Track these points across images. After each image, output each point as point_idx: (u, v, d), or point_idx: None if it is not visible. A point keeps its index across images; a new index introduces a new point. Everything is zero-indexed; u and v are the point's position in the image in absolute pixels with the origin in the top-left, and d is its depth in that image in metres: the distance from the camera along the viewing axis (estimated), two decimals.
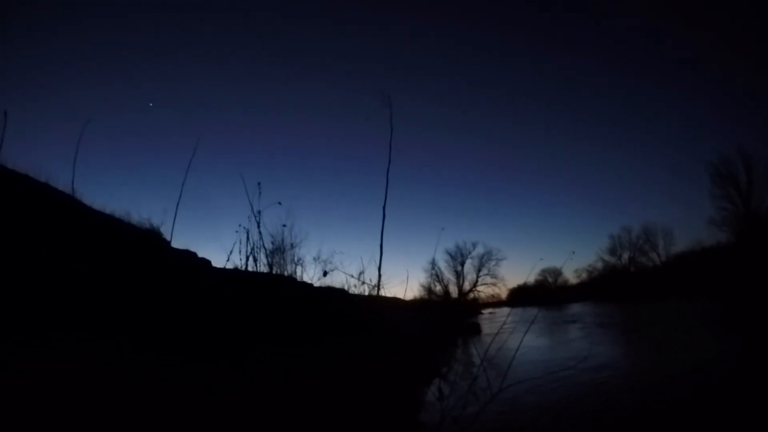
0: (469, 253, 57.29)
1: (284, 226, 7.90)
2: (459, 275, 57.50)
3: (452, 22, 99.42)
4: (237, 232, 5.16)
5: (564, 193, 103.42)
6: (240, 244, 5.13)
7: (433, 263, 54.44)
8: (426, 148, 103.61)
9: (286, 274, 8.78)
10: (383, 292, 9.79)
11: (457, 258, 57.55)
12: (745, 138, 70.34)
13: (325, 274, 7.50)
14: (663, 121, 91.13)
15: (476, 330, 23.67)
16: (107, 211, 4.56)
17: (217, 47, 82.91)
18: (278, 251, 9.21)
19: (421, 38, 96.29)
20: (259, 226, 4.96)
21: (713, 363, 8.62)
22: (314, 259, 9.64)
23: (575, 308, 43.59)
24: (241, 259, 5.20)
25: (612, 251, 66.20)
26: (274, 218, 10.01)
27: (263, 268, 6.45)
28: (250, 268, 5.46)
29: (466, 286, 57.05)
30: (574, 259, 72.18)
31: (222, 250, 5.15)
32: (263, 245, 5.40)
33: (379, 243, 3.06)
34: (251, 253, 5.26)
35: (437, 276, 55.27)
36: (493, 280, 56.64)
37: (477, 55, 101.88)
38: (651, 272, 58.32)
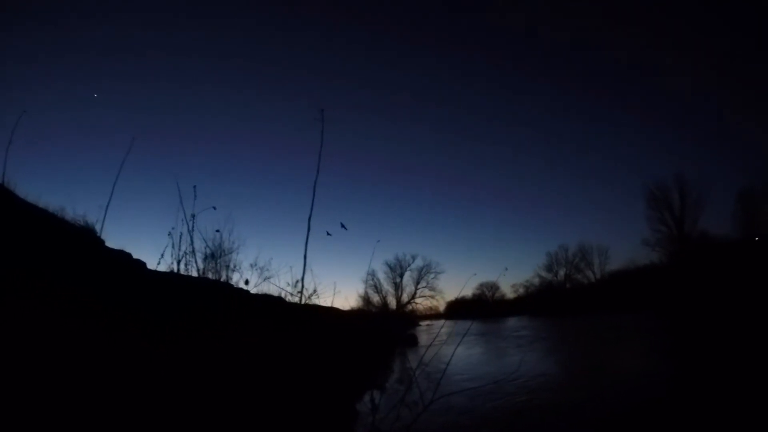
0: (409, 265, 57.99)
1: (218, 231, 7.57)
2: (398, 287, 58.06)
3: (389, 32, 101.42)
4: (170, 234, 4.88)
5: (504, 210, 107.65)
6: (173, 247, 4.85)
7: (372, 274, 54.70)
8: (369, 161, 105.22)
9: (222, 280, 8.39)
10: (320, 302, 9.59)
11: (397, 270, 58.12)
12: (681, 165, 77.62)
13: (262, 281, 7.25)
14: (604, 145, 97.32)
15: (413, 341, 23.89)
16: (41, 204, 4.33)
17: (156, 48, 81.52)
18: (214, 256, 8.78)
19: (360, 49, 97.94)
20: (192, 230, 4.71)
21: (640, 377, 9.22)
22: (251, 266, 9.29)
23: (511, 322, 45.29)
24: (172, 263, 4.93)
25: (549, 268, 69.55)
26: (213, 223, 9.60)
27: (198, 273, 6.10)
28: (184, 272, 5.17)
29: (405, 298, 57.64)
30: (512, 275, 75.15)
31: (157, 253, 4.85)
32: (194, 250, 5.10)
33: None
34: (183, 256, 4.99)
35: (376, 287, 55.55)
36: (431, 293, 57.38)
37: (417, 67, 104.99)
38: (586, 289, 61.80)
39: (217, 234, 9.09)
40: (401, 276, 58.16)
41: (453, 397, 5.92)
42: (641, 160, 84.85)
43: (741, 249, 35.25)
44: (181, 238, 4.83)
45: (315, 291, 13.07)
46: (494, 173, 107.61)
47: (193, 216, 4.76)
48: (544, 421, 6.44)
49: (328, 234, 4.45)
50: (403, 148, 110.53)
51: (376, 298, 54.48)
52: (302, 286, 3.56)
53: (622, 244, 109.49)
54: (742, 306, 24.60)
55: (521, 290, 75.30)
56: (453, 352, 4.31)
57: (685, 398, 7.01)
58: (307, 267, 3.14)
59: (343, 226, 4.18)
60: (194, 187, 4.56)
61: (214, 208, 5.03)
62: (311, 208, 3.03)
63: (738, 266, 32.33)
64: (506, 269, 48.03)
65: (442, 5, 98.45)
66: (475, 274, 59.97)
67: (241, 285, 8.41)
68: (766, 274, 28.38)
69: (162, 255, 4.95)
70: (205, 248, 7.84)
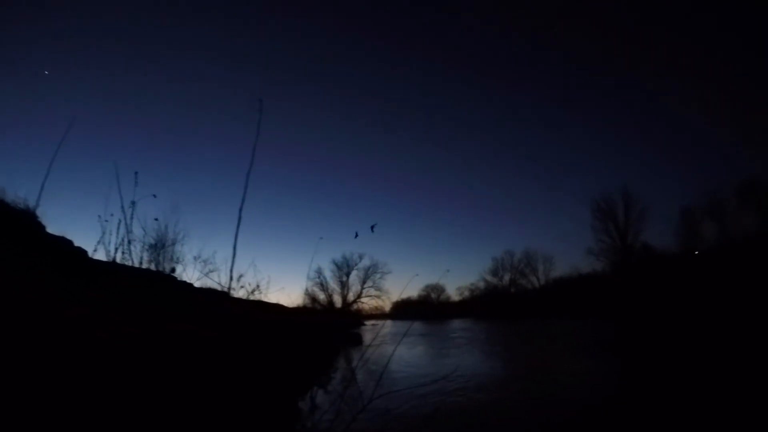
0: (356, 264, 58.12)
1: (156, 219, 7.28)
2: (344, 285, 58.10)
3: (335, 26, 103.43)
4: (107, 221, 4.64)
5: (452, 214, 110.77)
6: (111, 234, 4.62)
7: (319, 272, 54.30)
8: (318, 159, 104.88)
9: (165, 271, 8.10)
10: (265, 298, 9.43)
11: (344, 268, 58.16)
12: (627, 179, 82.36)
13: (206, 274, 7.07)
14: (554, 155, 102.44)
15: (358, 340, 23.93)
16: None
17: (99, 34, 79.04)
18: (157, 247, 8.44)
19: (311, 44, 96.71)
20: (132, 217, 4.52)
21: (574, 378, 9.78)
22: (194, 258, 9.00)
23: (456, 324, 46.22)
24: (110, 251, 4.69)
25: (494, 272, 71.86)
26: (159, 214, 9.22)
27: (139, 263, 5.85)
28: (125, 262, 4.95)
29: (351, 296, 57.72)
30: (458, 278, 76.84)
31: (96, 240, 4.62)
32: (129, 241, 4.86)
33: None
34: (120, 245, 4.76)
35: (322, 285, 55.21)
36: (378, 293, 57.67)
37: (371, 67, 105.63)
38: (530, 294, 64.33)
39: (163, 225, 8.74)
40: (348, 275, 58.28)
41: (392, 396, 6.07)
42: (589, 171, 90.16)
43: (681, 262, 37.28)
44: (119, 225, 4.61)
45: (258, 286, 12.81)
46: (443, 176, 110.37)
47: (133, 203, 4.56)
48: (477, 419, 6.73)
49: (153, 196, 4.47)
50: (354, 148, 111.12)
51: (322, 296, 54.18)
52: (230, 277, 3.51)
53: (567, 252, 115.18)
54: (680, 314, 26.56)
55: (466, 293, 77.47)
56: (393, 352, 4.43)
57: (615, 399, 7.52)
58: (234, 259, 3.11)
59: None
60: (135, 173, 4.38)
61: (155, 195, 4.85)
62: (243, 200, 2.99)
63: (677, 278, 34.50)
64: (448, 270, 49.17)
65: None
66: (417, 275, 60.66)
67: (185, 278, 8.16)
68: (703, 286, 30.46)
69: (99, 242, 4.70)
70: (145, 237, 7.53)
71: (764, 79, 66.16)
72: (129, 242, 4.93)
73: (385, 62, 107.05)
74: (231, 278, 3.54)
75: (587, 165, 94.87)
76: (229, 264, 3.10)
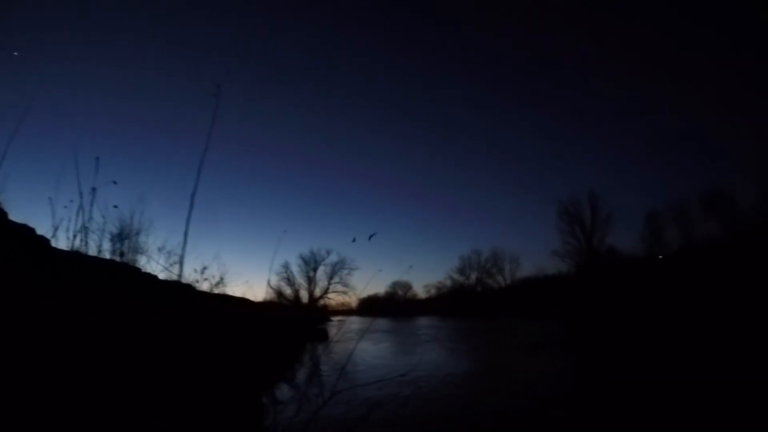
0: (323, 260, 57.85)
1: (115, 207, 7.09)
2: (311, 281, 57.74)
3: (296, 16, 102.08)
4: (66, 207, 4.51)
5: (421, 212, 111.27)
6: (71, 221, 4.50)
7: (286, 267, 53.84)
8: (291, 153, 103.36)
9: (130, 262, 7.96)
10: (231, 292, 9.39)
11: (311, 264, 57.80)
12: (595, 183, 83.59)
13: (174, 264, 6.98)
14: (523, 156, 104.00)
15: (324, 336, 23.95)
16: None
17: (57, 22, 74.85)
18: (121, 237, 8.26)
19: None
20: (92, 204, 4.43)
21: (531, 374, 10.19)
22: (159, 249, 8.85)
23: (422, 321, 46.56)
24: (68, 238, 4.57)
25: (461, 271, 72.29)
26: (123, 203, 9.01)
27: (99, 251, 5.73)
28: (83, 251, 4.84)
29: (318, 292, 57.43)
30: (425, 275, 77.50)
31: (61, 230, 4.50)
32: (86, 229, 4.74)
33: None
34: (79, 231, 4.63)
35: (289, 280, 54.78)
36: (344, 289, 57.40)
37: (337, 62, 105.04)
38: (496, 293, 65.05)
39: (128, 215, 8.56)
40: (315, 270, 57.92)
41: (353, 390, 6.23)
42: (558, 174, 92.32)
43: (645, 265, 38.35)
44: (79, 212, 4.49)
45: (222, 279, 12.70)
46: (413, 175, 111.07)
47: (94, 189, 4.46)
48: (436, 412, 6.97)
49: (114, 182, 4.49)
50: (323, 144, 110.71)
51: (288, 291, 53.75)
52: (181, 266, 3.53)
53: (533, 253, 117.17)
54: (642, 317, 27.59)
55: (433, 291, 77.88)
56: (353, 349, 4.55)
57: (566, 394, 7.90)
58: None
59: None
60: (96, 159, 4.28)
61: (115, 182, 4.74)
62: (195, 185, 2.99)
63: (641, 281, 35.35)
64: (411, 266, 49.37)
65: None
66: (381, 270, 60.82)
67: (149, 269, 8.02)
68: (666, 290, 31.46)
69: (56, 228, 4.57)
70: (105, 224, 7.35)
71: (733, 90, 69.78)
72: (87, 229, 4.81)
73: (353, 55, 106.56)
74: (181, 265, 3.54)
75: (556, 167, 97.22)
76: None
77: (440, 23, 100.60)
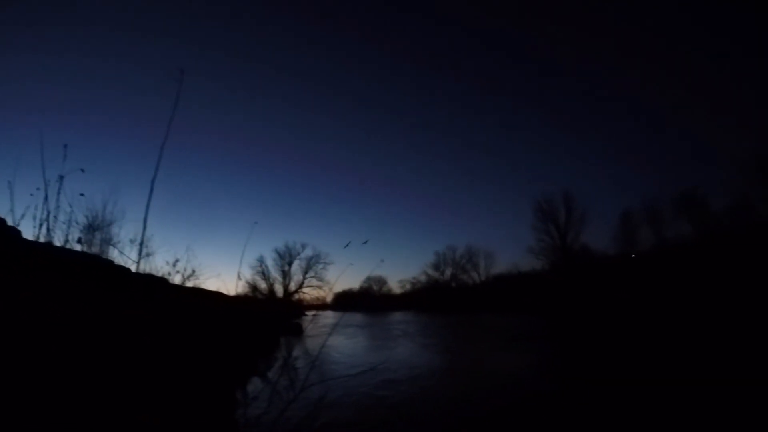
0: (298, 254, 57.74)
1: (82, 195, 7.01)
2: (286, 275, 57.47)
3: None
4: (32, 195, 4.48)
5: (397, 207, 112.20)
6: (37, 210, 4.48)
7: (261, 260, 53.41)
8: (267, 147, 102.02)
9: (102, 254, 7.91)
10: (205, 286, 9.40)
11: (286, 258, 57.57)
12: (570, 183, 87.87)
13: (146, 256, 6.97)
14: (499, 155, 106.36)
15: (299, 330, 24.00)
16: None
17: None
18: (92, 228, 8.19)
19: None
20: (59, 192, 4.43)
21: (498, 369, 10.51)
22: (131, 241, 8.80)
23: (397, 316, 47.04)
24: (35, 227, 4.55)
25: (436, 266, 72.81)
26: (96, 193, 8.91)
27: (66, 241, 5.67)
28: (51, 241, 4.82)
29: (292, 286, 57.17)
30: (400, 271, 78.12)
31: (34, 222, 4.47)
32: (48, 216, 4.73)
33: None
34: (45, 220, 4.61)
35: (264, 274, 54.39)
36: (319, 283, 57.31)
37: (318, 54, 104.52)
38: (471, 289, 65.68)
39: (99, 204, 8.49)
40: (290, 264, 57.69)
41: (324, 384, 6.41)
42: (534, 173, 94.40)
43: (617, 264, 39.42)
44: (45, 201, 4.47)
45: (194, 272, 12.66)
46: (390, 171, 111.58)
47: (61, 177, 4.46)
48: (400, 403, 7.22)
49: (81, 170, 4.55)
50: (300, 139, 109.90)
51: (263, 285, 53.36)
52: (140, 254, 3.60)
53: (508, 250, 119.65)
54: (615, 314, 28.44)
55: (408, 286, 78.43)
56: (325, 342, 4.70)
57: (532, 389, 8.19)
58: (144, 232, 3.19)
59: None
60: (65, 146, 4.29)
61: (83, 170, 4.73)
62: (155, 170, 3.04)
63: (614, 279, 36.52)
64: (382, 260, 49.28)
65: None
66: (352, 264, 60.52)
67: (121, 261, 7.98)
68: (639, 287, 32.63)
69: (21, 216, 4.54)
70: (71, 213, 7.27)
71: (710, 94, 72.11)
72: (56, 218, 4.80)
73: (327, 48, 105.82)
74: (140, 253, 3.60)
75: (532, 166, 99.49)
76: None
77: (416, 21, 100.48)
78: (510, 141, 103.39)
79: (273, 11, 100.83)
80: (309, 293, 57.64)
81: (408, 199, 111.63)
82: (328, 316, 46.66)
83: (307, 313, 51.13)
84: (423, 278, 74.68)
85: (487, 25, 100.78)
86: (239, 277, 4.90)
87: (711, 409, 6.25)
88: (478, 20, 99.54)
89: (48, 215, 4.61)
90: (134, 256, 9.37)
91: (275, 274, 56.84)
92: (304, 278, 57.31)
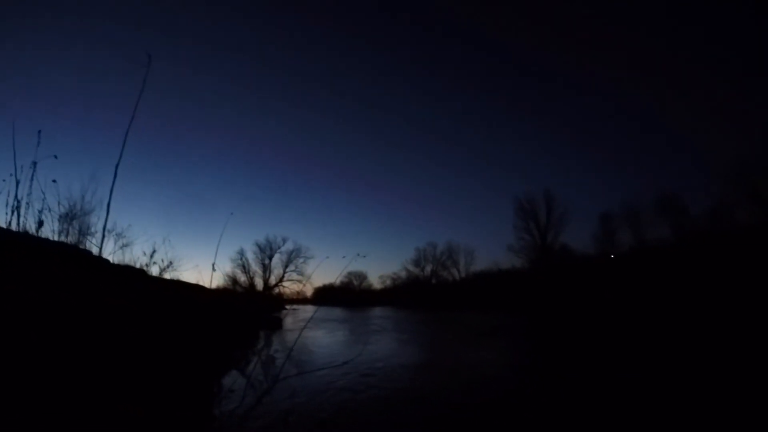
0: (279, 247, 58.04)
1: (54, 181, 7.04)
2: (266, 269, 57.75)
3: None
4: (5, 181, 4.52)
5: (377, 203, 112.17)
6: (9, 196, 4.52)
7: (241, 253, 53.14)
8: (255, 142, 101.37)
9: (80, 245, 7.92)
10: (181, 276, 9.43)
11: (266, 251, 57.85)
12: (551, 182, 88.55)
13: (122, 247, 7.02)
14: (482, 152, 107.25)
15: (278, 324, 24.05)
16: None
17: None
18: (69, 217, 8.17)
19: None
20: (32, 179, 4.49)
21: (483, 366, 10.68)
22: (108, 231, 8.78)
23: (377, 312, 46.99)
24: (6, 213, 4.57)
25: (416, 262, 73.49)
26: (75, 182, 8.84)
27: (36, 230, 5.67)
28: (21, 229, 4.84)
29: (273, 280, 57.34)
30: (381, 266, 78.34)
31: (6, 208, 4.52)
32: (18, 205, 4.74)
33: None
34: (16, 208, 4.64)
35: (244, 267, 54.13)
36: (300, 278, 57.53)
37: (297, 51, 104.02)
38: (451, 286, 66.32)
39: (78, 194, 8.48)
40: (270, 258, 57.86)
41: (299, 377, 6.59)
42: (516, 171, 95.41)
43: (596, 264, 40.34)
44: (18, 185, 4.48)
45: (171, 263, 12.67)
46: (370, 166, 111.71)
47: (35, 164, 4.50)
48: (370, 392, 7.44)
49: (54, 157, 4.64)
50: (281, 133, 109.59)
51: (243, 278, 53.12)
52: (103, 237, 3.68)
53: (489, 248, 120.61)
54: (593, 312, 29.03)
55: (389, 282, 78.81)
56: (299, 335, 4.88)
57: (502, 382, 8.44)
58: (107, 217, 3.27)
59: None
60: (39, 131, 4.34)
61: (56, 156, 4.76)
62: (120, 156, 3.12)
63: (593, 278, 37.26)
64: (358, 254, 49.40)
65: None
66: (328, 257, 60.51)
67: (98, 252, 7.99)
68: (617, 287, 33.36)
69: None
70: (44, 200, 7.28)
71: (692, 98, 73.67)
72: (28, 205, 4.81)
73: (309, 42, 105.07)
74: (103, 239, 3.66)
75: (514, 165, 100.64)
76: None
77: (401, 20, 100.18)
78: (492, 139, 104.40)
79: None
80: (289, 287, 57.69)
81: (389, 195, 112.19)
82: (308, 310, 46.64)
83: (287, 307, 51.11)
84: (403, 274, 75.22)
85: (467, 26, 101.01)
86: (214, 269, 5.00)
87: (684, 407, 6.44)
88: (458, 20, 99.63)
89: (19, 202, 4.63)
90: (111, 246, 9.35)
91: (255, 267, 56.79)
92: (285, 272, 57.48)
